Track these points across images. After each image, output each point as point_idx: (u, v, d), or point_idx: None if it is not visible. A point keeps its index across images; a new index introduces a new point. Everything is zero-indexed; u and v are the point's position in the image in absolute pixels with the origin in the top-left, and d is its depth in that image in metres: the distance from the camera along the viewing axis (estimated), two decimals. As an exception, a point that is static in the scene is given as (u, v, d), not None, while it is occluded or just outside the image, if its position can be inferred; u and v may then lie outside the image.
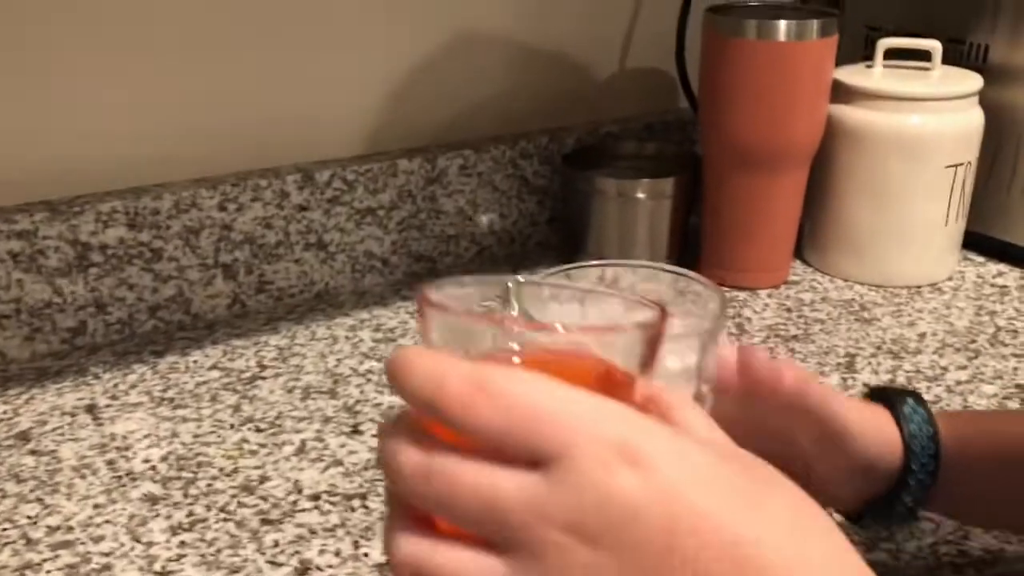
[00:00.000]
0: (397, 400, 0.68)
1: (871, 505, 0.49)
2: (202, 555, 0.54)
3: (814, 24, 0.77)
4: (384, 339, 0.79)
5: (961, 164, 0.84)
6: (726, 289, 0.85)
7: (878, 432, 0.47)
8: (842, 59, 0.84)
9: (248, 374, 0.73)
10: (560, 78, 0.98)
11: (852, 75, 0.85)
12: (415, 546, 0.29)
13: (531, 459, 0.28)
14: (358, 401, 0.69)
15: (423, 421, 0.29)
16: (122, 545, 0.54)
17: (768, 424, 0.45)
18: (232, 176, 0.81)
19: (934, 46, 0.84)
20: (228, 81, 0.81)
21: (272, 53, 0.82)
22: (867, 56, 0.88)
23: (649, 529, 0.27)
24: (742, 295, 0.86)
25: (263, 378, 0.73)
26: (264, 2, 0.80)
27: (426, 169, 0.88)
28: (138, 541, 0.55)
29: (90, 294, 0.76)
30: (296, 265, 0.85)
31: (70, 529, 0.56)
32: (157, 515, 0.57)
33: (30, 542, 0.55)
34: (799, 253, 0.92)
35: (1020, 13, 0.89)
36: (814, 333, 0.80)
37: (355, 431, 0.66)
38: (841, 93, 0.85)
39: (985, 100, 0.85)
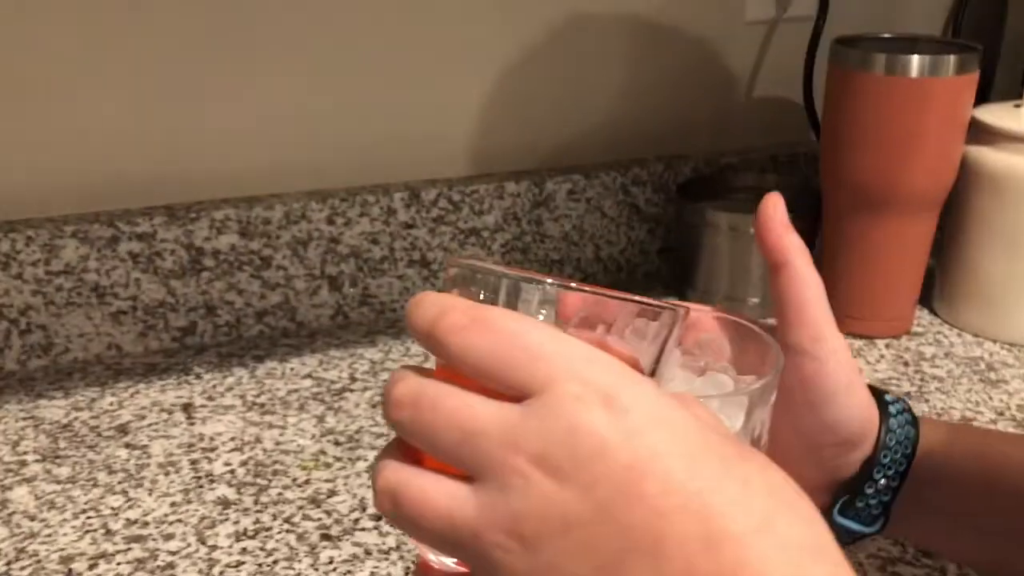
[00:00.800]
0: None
1: (833, 493, 0.44)
2: (259, 564, 0.55)
3: (951, 60, 0.72)
4: (475, 361, 0.78)
5: (1112, 217, 0.76)
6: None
7: (860, 410, 0.43)
8: (996, 97, 0.78)
9: (339, 385, 0.75)
10: (680, 105, 0.96)
11: (995, 114, 0.79)
12: (397, 472, 0.30)
13: (516, 393, 0.28)
14: (438, 423, 0.69)
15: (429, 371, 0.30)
16: (188, 545, 0.56)
17: None
18: (342, 191, 0.83)
19: (1092, 88, 0.77)
20: (344, 98, 0.83)
21: (388, 72, 0.83)
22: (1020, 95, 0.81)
23: (614, 465, 0.26)
24: (858, 343, 0.81)
25: (352, 390, 0.74)
26: (383, 25, 0.82)
27: (533, 192, 0.88)
28: (203, 543, 0.57)
29: (201, 296, 0.80)
30: (399, 281, 0.86)
31: (145, 524, 0.58)
32: (226, 519, 0.59)
33: (109, 532, 0.58)
34: (927, 303, 0.86)
35: None
36: (929, 392, 0.74)
37: (429, 453, 0.66)
38: (981, 133, 0.78)
39: None
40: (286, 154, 0.83)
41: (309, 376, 0.76)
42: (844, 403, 0.42)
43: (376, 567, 0.55)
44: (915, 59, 0.72)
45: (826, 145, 0.80)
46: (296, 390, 0.74)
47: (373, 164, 0.85)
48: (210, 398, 0.73)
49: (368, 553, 0.56)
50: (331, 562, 0.55)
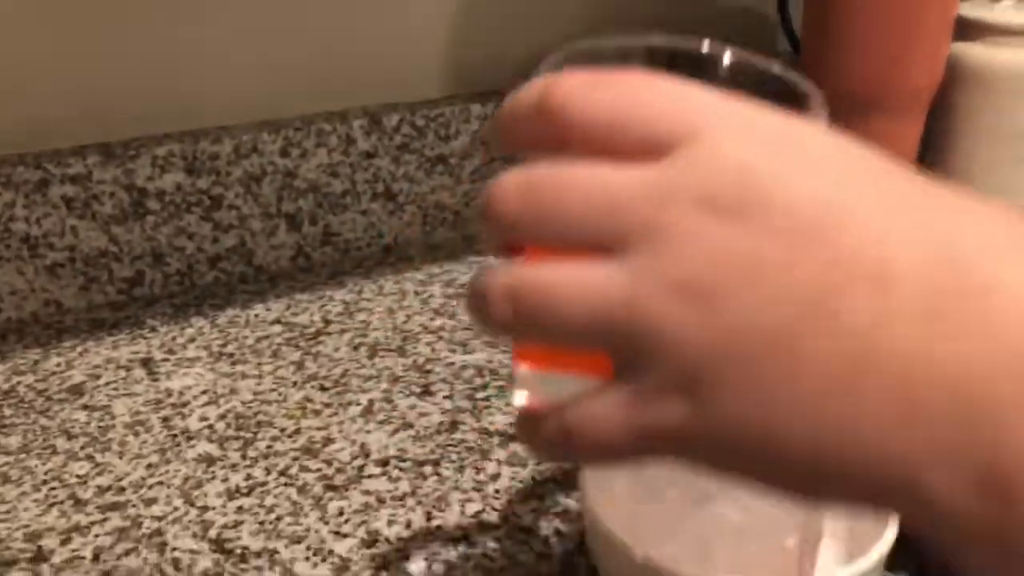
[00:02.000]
0: (471, 359, 0.63)
1: None
2: (260, 522, 0.49)
3: (941, -54, 0.69)
4: (456, 294, 0.73)
5: (1103, 108, 0.74)
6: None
7: None
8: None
9: (312, 329, 0.68)
10: (647, 13, 0.91)
11: (976, 8, 0.76)
12: (510, 273, 0.24)
13: (650, 149, 0.23)
14: (428, 360, 0.64)
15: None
16: (175, 509, 0.50)
17: None
18: (296, 120, 0.76)
19: (1074, -25, 0.74)
20: (295, 17, 0.75)
21: (339, -13, 0.76)
22: (993, -10, 0.78)
23: (800, 199, 0.22)
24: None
25: (328, 334, 0.68)
26: (331, -69, 0.74)
27: (502, 114, 0.82)
28: (192, 505, 0.50)
29: (147, 243, 0.72)
30: (363, 216, 0.79)
31: (121, 490, 0.52)
32: (213, 477, 0.52)
33: (78, 503, 0.51)
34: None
35: None
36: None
37: (426, 392, 0.60)
38: (962, 29, 0.76)
39: None
40: (232, 81, 0.75)
41: (278, 322, 0.70)
42: None
43: (393, 514, 0.49)
44: (908, -54, 0.68)
45: (808, 49, 0.76)
46: (266, 336, 0.67)
47: (328, 89, 0.78)
48: (171, 351, 0.66)
49: (381, 501, 0.50)
50: (342, 513, 0.49)
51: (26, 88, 0.69)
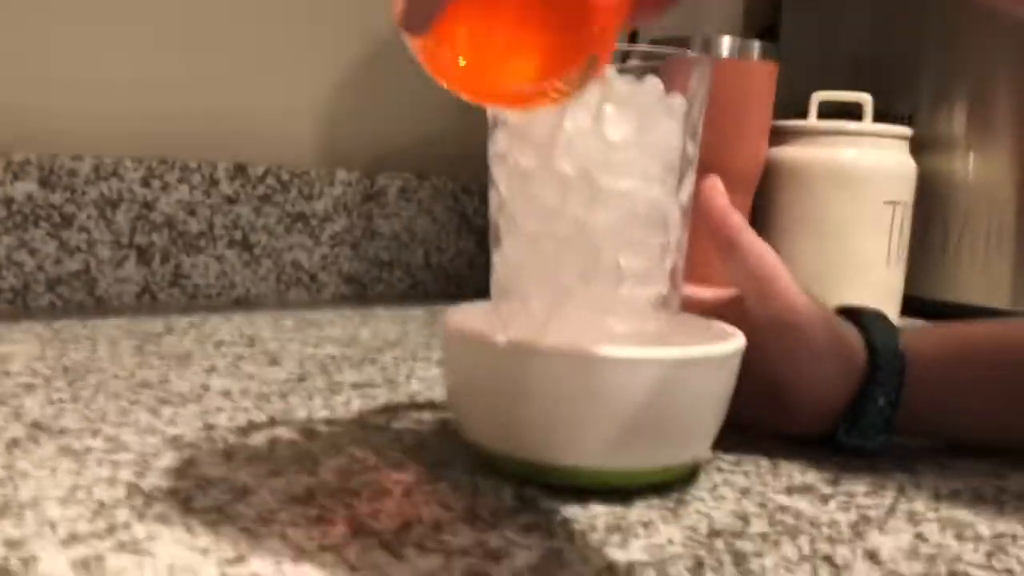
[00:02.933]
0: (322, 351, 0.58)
1: (844, 413, 0.44)
2: (84, 416, 0.45)
3: (755, 45, 0.81)
4: (308, 323, 0.72)
5: (899, 202, 0.85)
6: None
7: (848, 338, 0.44)
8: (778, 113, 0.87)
9: (154, 332, 0.65)
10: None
11: (789, 122, 0.88)
12: None
13: None
14: (280, 350, 0.62)
15: None
16: (-15, 407, 0.45)
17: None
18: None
19: (865, 99, 0.88)
20: (181, 70, 0.78)
21: (231, 49, 0.80)
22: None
23: None
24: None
25: (172, 334, 0.65)
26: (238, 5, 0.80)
27: (365, 184, 0.85)
28: (5, 405, 0.46)
29: (-16, 251, 0.69)
30: (216, 262, 0.79)
31: (-78, 398, 0.46)
32: (33, 393, 0.48)
33: None
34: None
35: (939, 84, 0.95)
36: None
37: (274, 363, 0.58)
38: (778, 136, 0.87)
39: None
40: (107, 120, 0.76)
41: (118, 328, 0.66)
42: (834, 359, 0.43)
43: (232, 416, 0.46)
44: (726, 40, 0.80)
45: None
46: (105, 335, 0.64)
47: (200, 140, 0.80)
48: (-5, 335, 0.61)
49: (220, 409, 0.47)
50: (175, 414, 0.46)
51: None
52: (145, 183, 0.75)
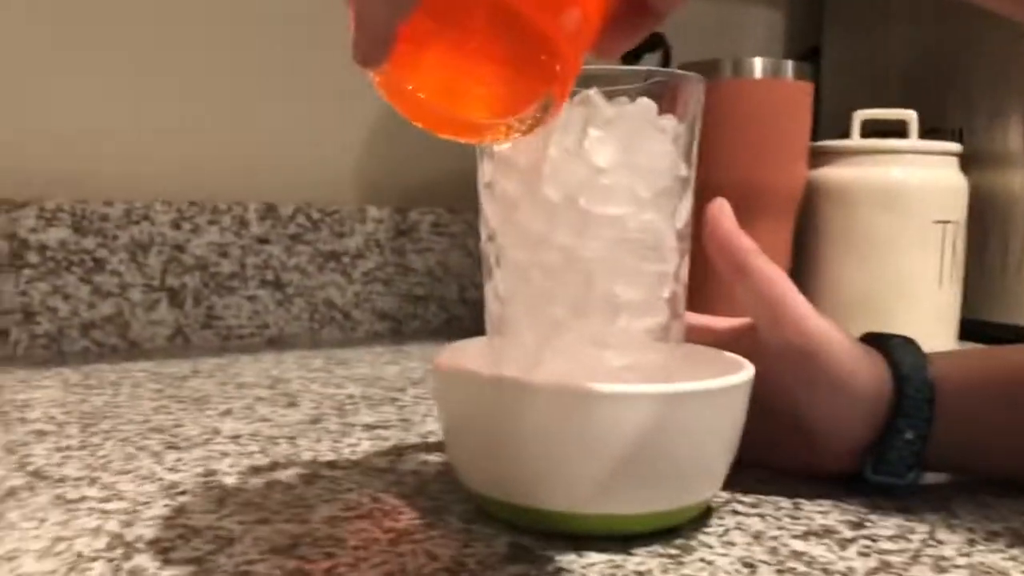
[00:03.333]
0: (343, 391, 0.58)
1: (870, 447, 0.41)
2: (87, 464, 0.44)
3: (789, 65, 0.78)
4: (336, 362, 0.71)
5: (950, 221, 0.81)
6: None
7: (872, 366, 0.41)
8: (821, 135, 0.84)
9: (180, 375, 0.65)
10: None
11: (831, 142, 0.85)
12: None
13: None
14: (300, 391, 0.61)
15: None
16: (-8, 455, 0.45)
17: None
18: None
19: (910, 116, 0.84)
20: (212, 113, 0.79)
21: (263, 92, 0.81)
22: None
23: None
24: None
25: (197, 376, 0.65)
26: (269, 44, 0.81)
27: (396, 219, 0.85)
28: (13, 453, 0.45)
29: (19, 298, 0.70)
30: (249, 303, 0.79)
31: (-66, 447, 0.46)
32: (43, 441, 0.48)
33: None
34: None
35: (993, 98, 0.91)
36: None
37: (291, 405, 0.57)
38: (821, 156, 0.84)
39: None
40: (137, 165, 0.77)
41: (143, 371, 0.66)
42: (855, 385, 0.40)
43: (234, 463, 0.45)
44: (758, 61, 0.77)
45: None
46: (128, 376, 0.64)
47: (229, 182, 0.80)
48: (23, 380, 0.62)
49: (225, 454, 0.46)
50: (179, 460, 0.45)
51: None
52: (176, 226, 0.75)
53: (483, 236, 0.38)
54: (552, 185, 0.35)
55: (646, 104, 0.36)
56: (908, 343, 0.43)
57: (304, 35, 0.82)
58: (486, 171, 0.37)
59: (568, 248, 0.35)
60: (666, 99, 0.36)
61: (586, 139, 0.35)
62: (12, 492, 0.40)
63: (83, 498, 0.39)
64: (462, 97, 0.30)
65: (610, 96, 0.36)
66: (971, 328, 0.88)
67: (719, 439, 0.36)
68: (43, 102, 0.73)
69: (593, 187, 0.35)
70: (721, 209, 0.41)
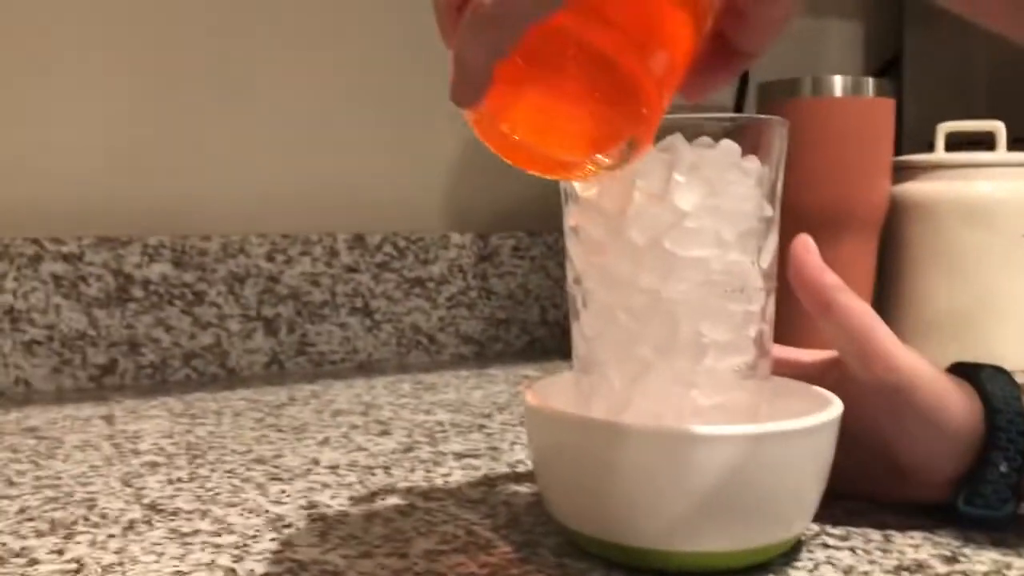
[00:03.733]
0: (433, 418, 0.60)
1: (964, 480, 0.41)
2: (197, 496, 0.47)
3: (869, 82, 0.77)
4: (424, 387, 0.73)
5: (1041, 234, 0.79)
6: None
7: (962, 399, 0.41)
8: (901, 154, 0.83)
9: (277, 403, 0.68)
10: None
11: (914, 157, 0.84)
12: None
13: None
14: (391, 418, 0.63)
15: None
16: (112, 488, 0.48)
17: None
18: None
19: (997, 127, 0.82)
20: (304, 147, 0.82)
21: (355, 127, 0.84)
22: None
23: None
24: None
25: (293, 404, 0.67)
26: (363, 76, 0.84)
27: (478, 245, 0.87)
28: (129, 486, 0.48)
29: (125, 331, 0.74)
30: (339, 330, 0.82)
31: (57, 478, 0.50)
32: (155, 472, 0.51)
33: (11, 484, 0.49)
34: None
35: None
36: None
37: (384, 433, 0.59)
38: (904, 172, 0.83)
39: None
40: (233, 201, 0.80)
41: (243, 399, 0.69)
42: (946, 418, 0.40)
43: (335, 493, 0.47)
44: (838, 79, 0.77)
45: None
46: (229, 405, 0.67)
47: (319, 213, 0.83)
48: (132, 411, 0.65)
49: (326, 485, 0.48)
50: (284, 492, 0.47)
51: (35, 180, 0.74)
52: (270, 258, 0.79)
53: (569, 278, 0.40)
54: (637, 228, 0.36)
55: (729, 147, 0.37)
56: (999, 373, 0.42)
57: (384, 66, 0.85)
58: (572, 214, 0.39)
59: (654, 290, 0.36)
60: (749, 141, 0.37)
61: (670, 183, 0.36)
62: (132, 525, 0.42)
63: (196, 531, 0.41)
64: (551, 135, 0.31)
65: (693, 139, 0.37)
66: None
67: (808, 476, 0.36)
68: (140, 144, 0.77)
69: (678, 230, 0.36)
70: (806, 247, 0.41)
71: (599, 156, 0.31)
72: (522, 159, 0.32)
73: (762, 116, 0.38)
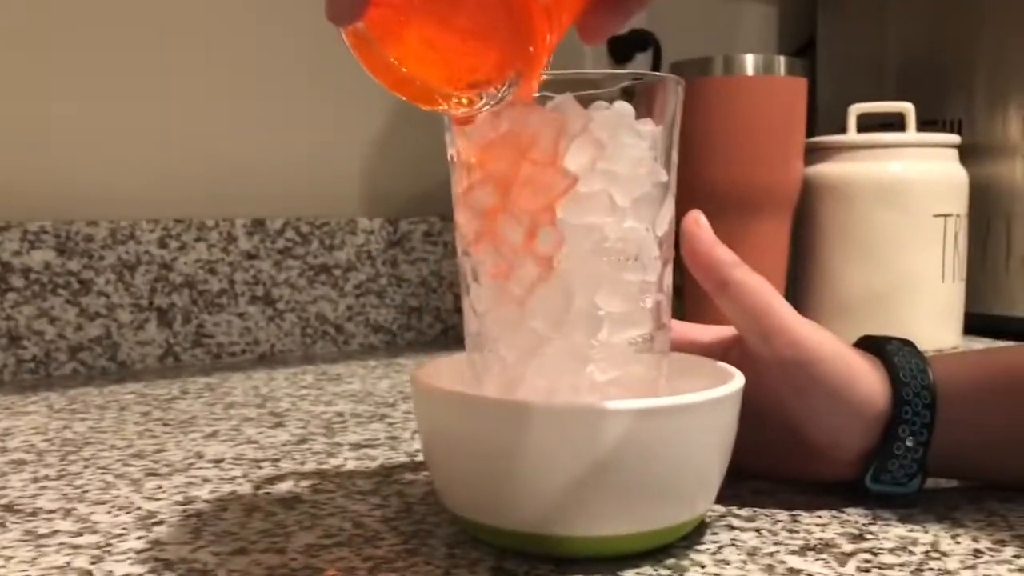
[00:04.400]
0: (331, 409, 0.57)
1: (871, 455, 0.39)
2: (64, 494, 0.43)
3: (781, 61, 0.77)
4: (328, 379, 0.70)
5: (951, 215, 0.80)
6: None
7: (869, 372, 0.39)
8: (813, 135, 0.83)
9: (168, 396, 0.64)
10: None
11: (827, 138, 0.83)
12: None
13: None
14: (288, 410, 0.60)
15: None
16: (-33, 488, 0.44)
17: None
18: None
19: (907, 108, 0.83)
20: (197, 126, 0.78)
21: (255, 104, 0.80)
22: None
23: None
24: (729, 362, 0.78)
25: (184, 398, 0.64)
26: (266, 55, 0.79)
27: (388, 231, 0.84)
28: (-12, 485, 0.44)
29: (4, 322, 0.69)
30: (239, 319, 0.78)
31: (-91, 481, 0.45)
32: (21, 471, 0.46)
33: None
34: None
35: (992, 88, 0.89)
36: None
37: (279, 425, 0.56)
38: (817, 153, 0.82)
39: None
40: (121, 183, 0.76)
41: (132, 392, 0.65)
42: (851, 393, 0.38)
43: (216, 488, 0.44)
44: (750, 58, 0.76)
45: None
46: (115, 400, 0.63)
47: (216, 197, 0.79)
48: (6, 408, 0.61)
49: (206, 480, 0.45)
50: (160, 488, 0.44)
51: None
52: (162, 244, 0.74)
53: (459, 249, 0.37)
54: (526, 194, 0.34)
55: (623, 108, 0.35)
56: (906, 346, 0.41)
57: (290, 41, 0.81)
58: (460, 181, 0.36)
59: (545, 259, 0.34)
60: (643, 102, 0.35)
61: (560, 145, 0.33)
62: (-17, 528, 0.38)
63: (55, 532, 0.38)
64: (435, 67, 0.30)
65: (586, 101, 0.34)
66: (976, 323, 0.86)
67: (710, 452, 0.35)
68: (19, 120, 0.72)
69: (569, 196, 0.33)
70: (697, 222, 0.39)
71: (478, 90, 0.29)
72: (400, 87, 0.31)
73: (657, 74, 0.36)
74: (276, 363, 0.76)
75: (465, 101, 0.30)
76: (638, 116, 0.35)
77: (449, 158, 0.37)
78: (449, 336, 0.87)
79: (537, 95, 0.33)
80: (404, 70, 0.30)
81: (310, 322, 0.81)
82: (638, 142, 0.35)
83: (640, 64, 0.97)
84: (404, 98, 0.31)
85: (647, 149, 0.35)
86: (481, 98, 0.30)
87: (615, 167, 0.34)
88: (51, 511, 0.40)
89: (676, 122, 0.36)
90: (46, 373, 0.71)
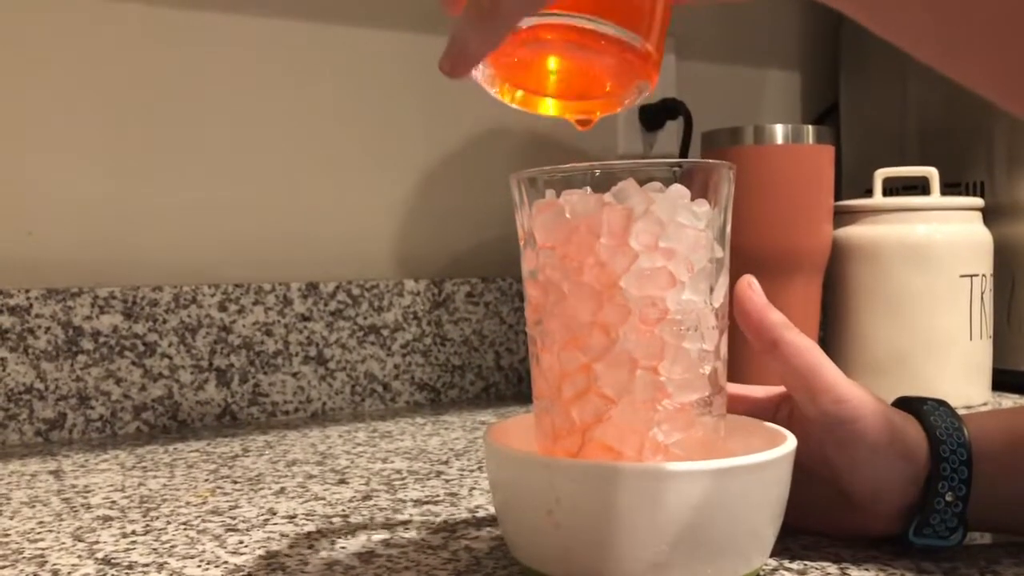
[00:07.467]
0: (391, 466, 0.61)
1: (913, 510, 0.42)
2: (153, 548, 0.46)
3: (809, 130, 0.80)
4: (380, 435, 0.73)
5: (977, 275, 0.82)
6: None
7: (908, 431, 0.42)
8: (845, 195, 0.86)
9: (231, 454, 0.67)
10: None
11: (855, 202, 0.87)
12: None
13: None
14: (347, 467, 0.63)
15: None
16: (63, 544, 0.47)
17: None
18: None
19: (931, 172, 0.86)
20: (250, 196, 0.82)
21: (299, 174, 0.84)
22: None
23: None
24: (765, 419, 0.81)
25: (247, 455, 0.67)
26: (306, 127, 0.84)
27: (433, 292, 0.87)
28: (80, 540, 0.47)
29: (75, 384, 0.73)
30: (293, 379, 0.81)
31: (5, 534, 0.48)
32: (109, 527, 0.50)
33: (-43, 548, 0.47)
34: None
35: (1012, 150, 0.92)
36: (845, 430, 0.73)
37: (342, 482, 0.59)
38: (845, 216, 0.86)
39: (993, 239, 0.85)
40: (184, 251, 0.80)
41: (196, 451, 0.68)
42: (893, 449, 0.41)
43: (294, 544, 0.47)
44: (779, 127, 0.79)
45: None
46: (182, 458, 0.66)
47: (272, 263, 0.83)
48: (82, 465, 0.64)
49: (284, 535, 0.48)
50: (242, 543, 0.47)
51: (-19, 231, 0.73)
52: (222, 307, 0.78)
53: (529, 322, 0.40)
54: (595, 272, 0.37)
55: (679, 190, 0.38)
56: (941, 405, 0.44)
57: (331, 115, 0.86)
58: (529, 259, 0.39)
59: (612, 331, 0.37)
60: (697, 185, 0.38)
61: (627, 228, 0.37)
62: (86, 580, 0.41)
63: (154, 584, 0.41)
64: (569, 91, 0.38)
65: (643, 184, 0.38)
66: (1005, 379, 0.88)
67: (766, 510, 0.37)
68: (91, 193, 0.76)
69: (633, 272, 0.37)
70: (750, 285, 0.43)
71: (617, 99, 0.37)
72: (529, 105, 0.38)
73: (709, 160, 0.39)
74: (328, 421, 0.79)
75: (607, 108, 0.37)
76: (693, 197, 0.38)
77: (520, 239, 0.40)
78: (491, 394, 0.90)
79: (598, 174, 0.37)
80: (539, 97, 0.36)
81: (359, 380, 0.84)
82: (695, 221, 0.38)
83: (670, 132, 1.01)
84: (544, 114, 0.37)
85: (703, 227, 0.38)
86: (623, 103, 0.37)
87: (674, 245, 0.37)
88: (145, 565, 0.43)
89: (729, 203, 0.40)
90: (112, 432, 0.74)
